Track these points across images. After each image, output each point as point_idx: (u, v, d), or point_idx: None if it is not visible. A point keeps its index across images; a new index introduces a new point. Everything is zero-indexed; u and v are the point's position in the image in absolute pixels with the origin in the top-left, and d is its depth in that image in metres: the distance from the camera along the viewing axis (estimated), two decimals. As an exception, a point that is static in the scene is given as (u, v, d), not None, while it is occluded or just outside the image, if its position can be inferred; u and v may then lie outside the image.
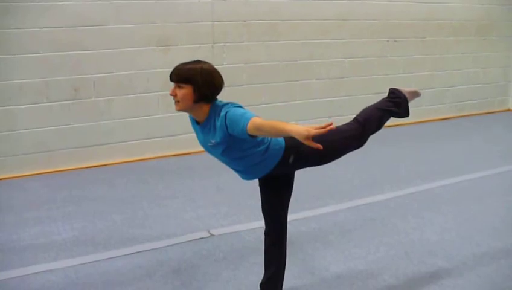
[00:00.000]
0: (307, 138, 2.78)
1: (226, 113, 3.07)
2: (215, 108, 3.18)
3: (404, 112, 3.80)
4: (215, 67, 3.24)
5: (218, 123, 3.12)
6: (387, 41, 8.48)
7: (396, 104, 3.75)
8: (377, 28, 8.33)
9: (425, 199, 5.57)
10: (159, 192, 5.79)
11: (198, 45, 6.94)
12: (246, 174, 3.41)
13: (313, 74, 7.94)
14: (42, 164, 6.34)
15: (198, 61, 3.19)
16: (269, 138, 3.27)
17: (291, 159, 3.32)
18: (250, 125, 2.96)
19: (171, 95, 3.19)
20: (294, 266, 4.13)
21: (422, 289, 3.84)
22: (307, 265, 4.20)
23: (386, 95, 3.84)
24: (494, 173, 6.35)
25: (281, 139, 3.31)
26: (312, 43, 7.82)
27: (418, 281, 3.97)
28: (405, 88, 3.85)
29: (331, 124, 2.78)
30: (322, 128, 2.77)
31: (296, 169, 3.50)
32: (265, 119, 2.99)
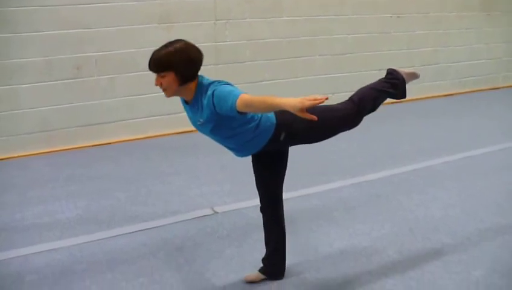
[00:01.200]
0: (301, 110, 2.77)
1: (213, 91, 3.05)
2: (201, 87, 3.15)
3: (401, 94, 3.74)
4: (191, 42, 3.19)
5: (205, 102, 3.10)
6: (391, 17, 8.43)
7: (393, 86, 3.69)
8: (380, 4, 8.27)
9: (429, 176, 5.56)
10: (162, 170, 5.79)
11: (200, 22, 6.90)
12: (239, 151, 3.41)
13: (315, 51, 7.90)
14: (45, 143, 6.34)
15: (171, 43, 3.14)
16: (259, 115, 3.24)
17: (282, 136, 3.30)
18: (239, 102, 2.93)
19: (156, 85, 3.17)
20: (298, 242, 4.14)
21: (426, 265, 3.84)
22: (310, 242, 4.20)
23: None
24: (497, 149, 6.33)
25: (272, 116, 3.29)
26: (315, 19, 7.77)
27: (422, 257, 3.97)
28: (404, 69, 3.79)
29: (326, 98, 2.77)
30: (316, 100, 2.75)
31: (289, 146, 3.49)
32: (254, 95, 2.98)
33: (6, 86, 6.03)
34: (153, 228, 4.47)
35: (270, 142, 3.31)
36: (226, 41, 7.07)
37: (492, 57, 9.69)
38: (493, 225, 4.45)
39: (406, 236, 4.28)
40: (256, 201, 3.64)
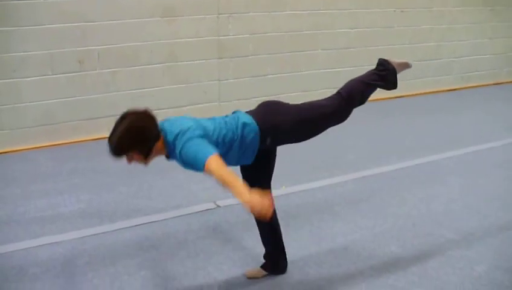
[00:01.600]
0: (252, 210, 2.74)
1: (180, 151, 3.01)
2: (168, 144, 3.12)
3: (391, 85, 3.67)
4: (141, 109, 3.18)
5: (178, 159, 3.09)
6: (394, 11, 8.40)
7: (382, 77, 3.64)
8: (384, -2, 8.27)
9: (432, 171, 5.55)
10: (165, 164, 5.76)
11: (203, 16, 6.89)
12: (237, 165, 3.38)
13: (318, 45, 7.88)
14: (48, 137, 6.34)
15: (119, 123, 3.11)
16: (239, 133, 3.19)
17: (268, 141, 3.27)
18: (205, 169, 2.89)
19: (130, 164, 3.17)
20: (301, 237, 4.13)
21: (429, 260, 3.84)
22: (313, 236, 4.19)
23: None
24: (500, 145, 6.32)
25: (254, 125, 3.21)
26: (318, 14, 7.75)
27: (425, 252, 3.96)
28: (395, 59, 3.73)
29: (271, 208, 2.74)
30: (262, 210, 2.71)
31: (277, 146, 3.44)
32: (219, 161, 2.90)
33: (8, 79, 6.02)
34: (155, 221, 4.47)
35: (260, 148, 3.28)
36: (229, 35, 7.05)
37: (495, 52, 9.67)
38: (496, 221, 4.44)
39: (409, 231, 4.27)
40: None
